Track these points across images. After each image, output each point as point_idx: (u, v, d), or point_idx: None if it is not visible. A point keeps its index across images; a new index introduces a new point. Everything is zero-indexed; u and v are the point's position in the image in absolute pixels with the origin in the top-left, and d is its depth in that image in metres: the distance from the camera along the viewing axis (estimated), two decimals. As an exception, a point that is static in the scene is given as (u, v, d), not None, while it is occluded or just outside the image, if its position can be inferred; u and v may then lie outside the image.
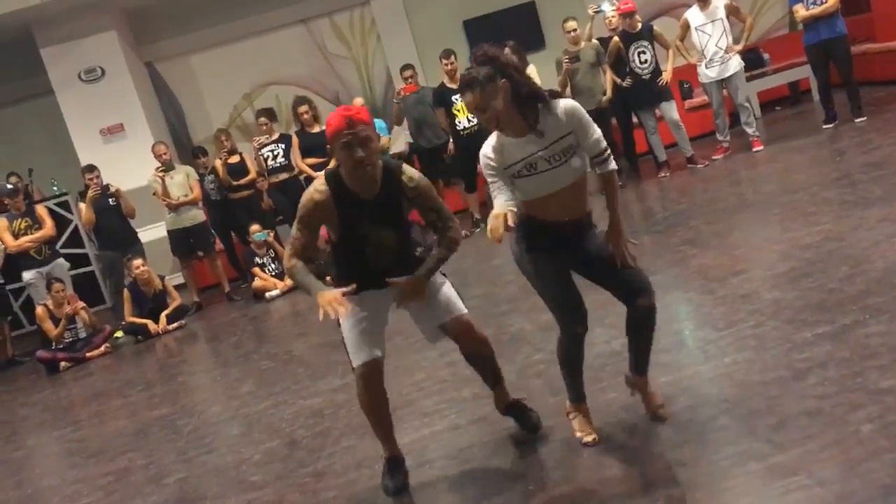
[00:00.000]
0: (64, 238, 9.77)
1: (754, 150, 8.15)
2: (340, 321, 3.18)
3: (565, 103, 2.98)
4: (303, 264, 3.13)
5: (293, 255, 3.15)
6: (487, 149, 2.99)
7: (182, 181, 8.68)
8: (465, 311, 3.35)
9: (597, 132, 3.02)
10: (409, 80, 8.79)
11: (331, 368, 5.16)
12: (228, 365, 6.38)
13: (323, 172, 3.20)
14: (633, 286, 3.09)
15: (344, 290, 3.00)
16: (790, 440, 2.82)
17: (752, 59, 10.14)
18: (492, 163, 2.98)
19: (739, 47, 8.21)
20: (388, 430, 3.38)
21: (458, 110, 8.31)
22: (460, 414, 3.94)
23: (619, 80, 8.33)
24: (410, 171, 3.20)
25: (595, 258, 3.11)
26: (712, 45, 8.12)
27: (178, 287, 8.63)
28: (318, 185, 3.12)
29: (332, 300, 2.94)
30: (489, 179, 3.00)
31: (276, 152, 8.78)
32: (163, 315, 8.02)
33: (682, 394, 3.42)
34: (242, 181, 8.89)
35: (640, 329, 3.16)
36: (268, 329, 7.37)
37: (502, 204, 2.90)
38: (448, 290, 3.36)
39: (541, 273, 3.12)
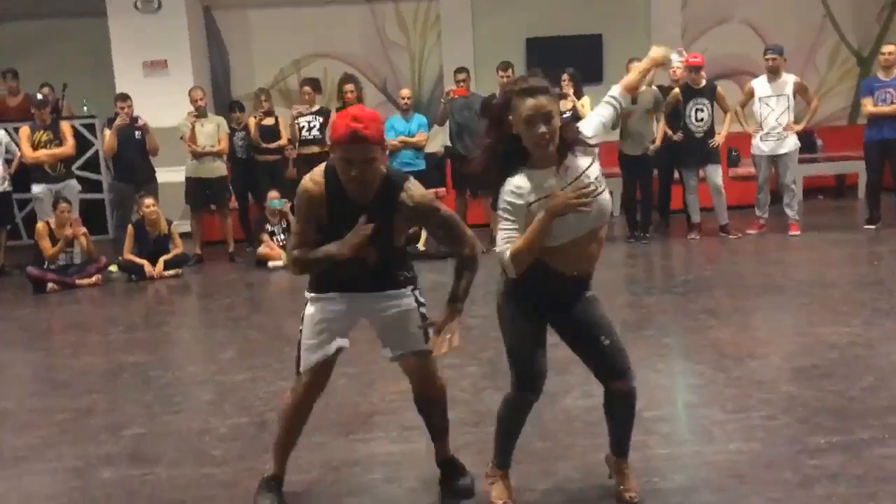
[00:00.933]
0: (82, 160, 9.62)
1: (791, 233, 7.94)
2: (305, 317, 2.98)
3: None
4: (305, 257, 2.87)
5: (297, 246, 2.89)
6: (516, 178, 2.68)
7: (212, 131, 8.51)
8: (431, 350, 2.97)
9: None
10: (461, 84, 8.63)
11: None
12: (215, 326, 6.20)
13: (324, 163, 2.89)
14: (612, 367, 2.86)
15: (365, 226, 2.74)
16: (787, 552, 2.61)
17: (805, 143, 9.92)
18: (519, 190, 2.67)
19: (800, 127, 8.03)
20: (290, 449, 3.13)
21: (504, 124, 8.10)
22: (441, 436, 3.72)
23: (670, 133, 8.14)
24: (413, 190, 2.85)
25: (580, 327, 2.88)
26: (773, 118, 7.92)
27: (183, 235, 8.45)
28: (315, 176, 2.84)
29: (360, 233, 2.74)
30: (504, 213, 2.70)
31: (312, 124, 8.61)
32: (161, 259, 7.84)
33: (677, 472, 3.21)
34: (272, 145, 8.73)
35: (617, 413, 2.94)
36: (263, 299, 7.18)
37: (507, 246, 2.67)
38: (418, 321, 3.03)
39: (517, 327, 2.87)
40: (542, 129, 2.61)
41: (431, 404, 3.16)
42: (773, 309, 5.61)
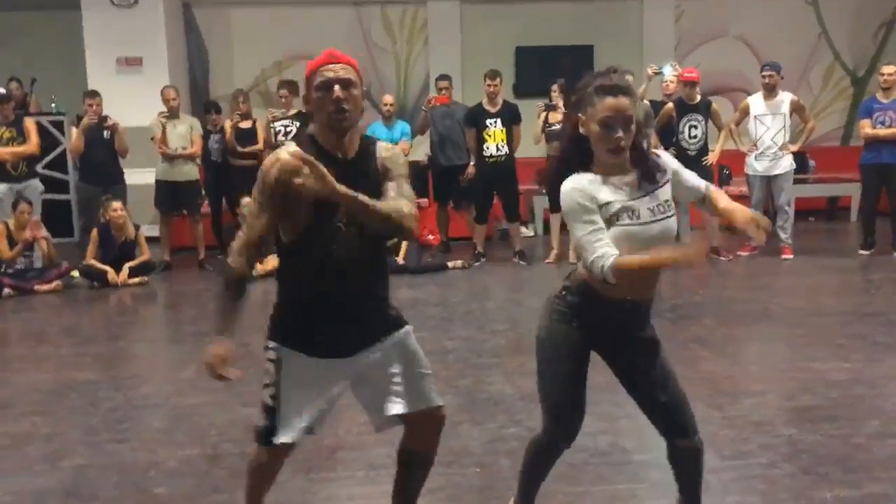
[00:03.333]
0: (48, 160, 9.22)
1: (783, 256, 7.67)
2: (287, 380, 2.45)
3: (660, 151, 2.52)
4: (248, 272, 2.39)
5: (247, 245, 2.35)
6: (583, 181, 2.34)
7: (184, 132, 8.15)
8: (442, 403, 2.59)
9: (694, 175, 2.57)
10: (443, 92, 8.34)
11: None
12: (177, 341, 5.83)
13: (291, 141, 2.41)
14: (675, 423, 2.51)
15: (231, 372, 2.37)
16: None
17: (797, 163, 9.66)
18: (592, 194, 2.31)
19: (796, 147, 7.80)
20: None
21: (490, 135, 7.81)
22: (411, 478, 3.38)
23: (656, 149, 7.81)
24: (386, 143, 2.56)
25: (636, 373, 2.53)
26: (768, 138, 7.67)
27: (150, 240, 8.05)
28: (291, 148, 2.27)
29: (221, 360, 2.37)
30: (584, 220, 2.30)
31: (289, 129, 8.26)
32: (126, 266, 7.45)
33: (671, 529, 2.88)
34: (248, 149, 8.37)
35: (684, 469, 2.57)
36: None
37: (607, 251, 2.26)
38: (424, 369, 2.57)
39: (561, 370, 2.49)
40: (619, 133, 2.28)
41: (423, 462, 2.72)
42: (767, 340, 5.32)
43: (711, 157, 7.77)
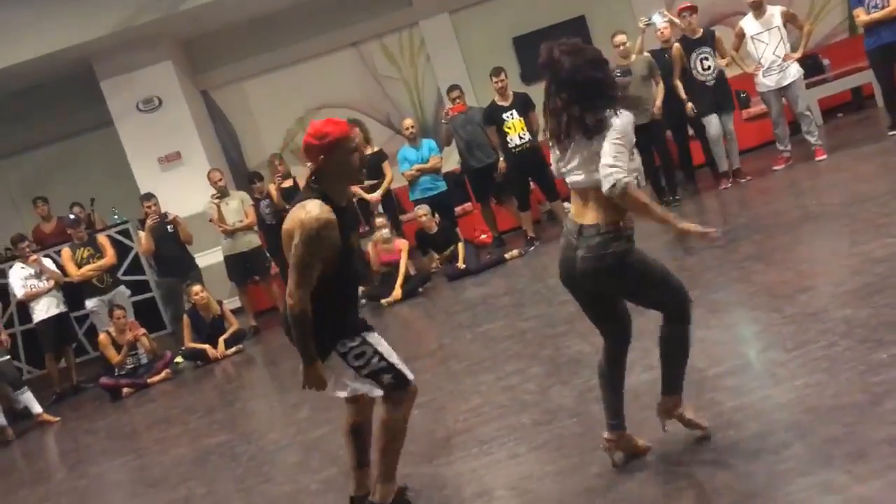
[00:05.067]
0: (125, 265, 9.96)
1: (817, 159, 7.89)
2: (369, 343, 3.19)
3: None
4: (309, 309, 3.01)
5: (307, 293, 2.99)
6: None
7: (237, 207, 8.78)
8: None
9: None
10: (457, 101, 8.80)
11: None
12: (285, 390, 6.37)
13: (309, 197, 3.04)
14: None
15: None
16: (870, 470, 2.66)
17: (812, 66, 9.86)
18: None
19: (798, 55, 8.00)
20: None
21: (510, 127, 8.25)
22: (519, 441, 3.83)
23: (683, 95, 8.07)
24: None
25: None
26: (769, 53, 7.91)
27: (235, 311, 8.72)
28: (320, 206, 2.98)
29: (319, 380, 3.14)
30: (623, 141, 2.91)
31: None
32: (221, 340, 8.09)
33: (750, 420, 3.27)
34: (296, 205, 8.92)
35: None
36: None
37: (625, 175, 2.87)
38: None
39: (656, 262, 3.09)
40: None
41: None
42: (814, 238, 5.61)
43: (721, 62, 8.01)
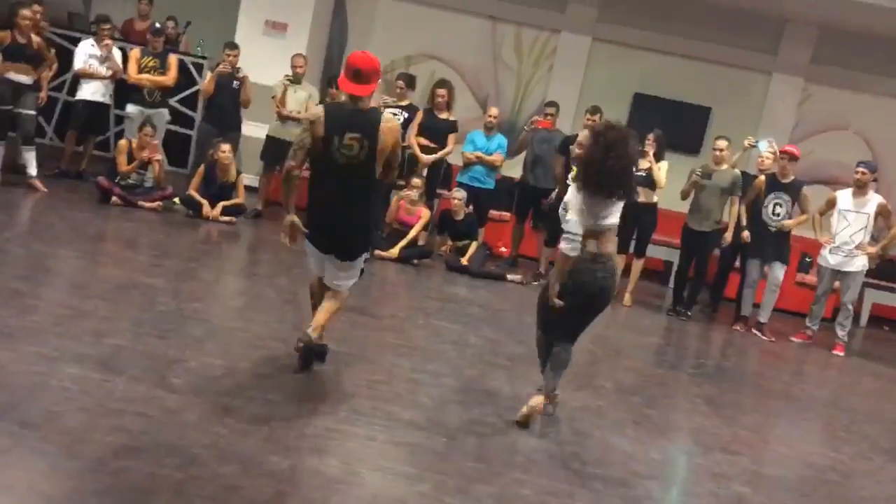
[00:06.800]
0: (181, 95, 10.08)
1: (834, 352, 7.65)
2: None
3: None
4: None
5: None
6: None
7: (302, 98, 8.82)
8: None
9: None
10: (549, 117, 8.71)
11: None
12: (242, 276, 6.43)
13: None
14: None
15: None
16: None
17: (885, 271, 9.56)
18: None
19: (873, 250, 7.72)
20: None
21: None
22: (385, 430, 3.78)
23: (744, 222, 7.89)
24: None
25: None
26: (846, 234, 7.66)
27: (249, 189, 8.77)
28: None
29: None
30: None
31: (397, 118, 8.79)
32: (221, 204, 8.15)
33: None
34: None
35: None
36: (296, 264, 7.36)
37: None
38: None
39: None
40: None
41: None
42: (770, 414, 5.45)
43: (789, 224, 7.79)
